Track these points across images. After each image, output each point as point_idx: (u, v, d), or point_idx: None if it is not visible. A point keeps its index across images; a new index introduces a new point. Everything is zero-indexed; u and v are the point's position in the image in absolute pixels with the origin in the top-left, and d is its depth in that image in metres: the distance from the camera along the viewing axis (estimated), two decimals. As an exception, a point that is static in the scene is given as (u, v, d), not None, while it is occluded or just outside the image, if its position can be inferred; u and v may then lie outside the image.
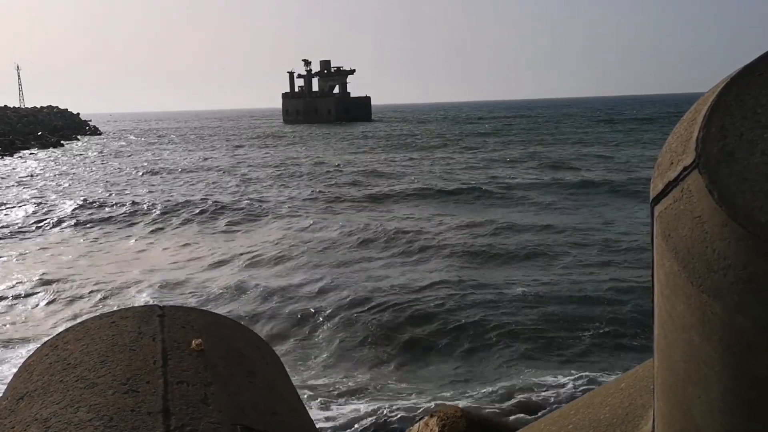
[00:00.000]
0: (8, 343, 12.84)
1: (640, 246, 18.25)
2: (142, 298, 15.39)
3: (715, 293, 1.02)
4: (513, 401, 9.89)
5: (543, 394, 10.07)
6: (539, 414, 9.15)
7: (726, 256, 1.01)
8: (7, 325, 14.00)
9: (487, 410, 9.25)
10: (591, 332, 12.51)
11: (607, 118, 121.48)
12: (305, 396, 9.85)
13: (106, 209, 28.94)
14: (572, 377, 10.59)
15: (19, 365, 1.56)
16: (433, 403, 9.61)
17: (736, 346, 1.02)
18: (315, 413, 9.30)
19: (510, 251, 18.71)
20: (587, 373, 10.71)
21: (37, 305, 15.43)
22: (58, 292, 16.28)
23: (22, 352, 12.01)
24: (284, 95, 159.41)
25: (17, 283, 17.11)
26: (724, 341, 1.03)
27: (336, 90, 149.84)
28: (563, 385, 10.31)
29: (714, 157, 1.05)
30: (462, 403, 9.11)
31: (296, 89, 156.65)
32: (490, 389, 10.38)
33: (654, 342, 1.34)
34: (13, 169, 50.91)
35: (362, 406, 9.85)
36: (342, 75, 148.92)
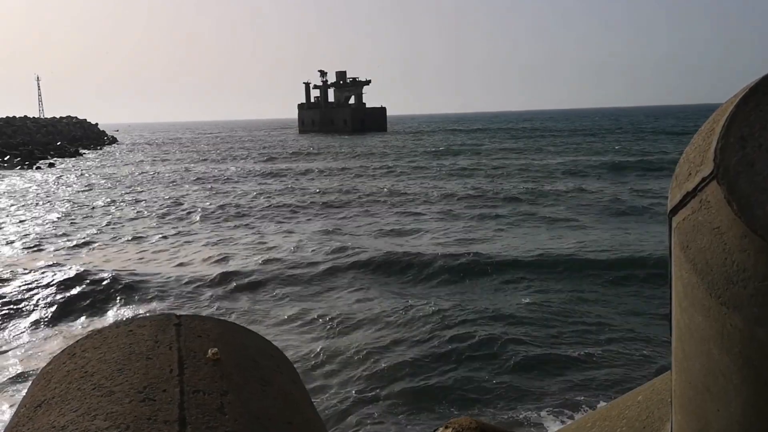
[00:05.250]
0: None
1: None
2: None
3: (735, 305, 1.01)
4: (527, 414, 9.82)
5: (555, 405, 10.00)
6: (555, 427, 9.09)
7: (745, 268, 1.00)
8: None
9: (503, 422, 9.19)
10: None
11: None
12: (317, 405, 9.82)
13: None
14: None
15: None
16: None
17: (756, 359, 1.01)
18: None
19: None
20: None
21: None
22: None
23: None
24: (300, 106, 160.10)
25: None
26: (744, 354, 1.02)
27: (352, 100, 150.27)
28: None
29: (733, 167, 1.04)
30: (476, 415, 9.06)
31: (312, 100, 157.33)
32: (504, 401, 10.31)
33: (672, 354, 1.33)
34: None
35: (376, 416, 9.83)
36: (358, 85, 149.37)
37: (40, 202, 36.45)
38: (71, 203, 35.94)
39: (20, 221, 29.76)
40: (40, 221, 29.59)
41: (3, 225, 28.64)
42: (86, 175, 55.28)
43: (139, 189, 42.86)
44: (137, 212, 31.84)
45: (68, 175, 54.62)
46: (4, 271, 18.62)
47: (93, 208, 34.00)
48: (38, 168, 62.58)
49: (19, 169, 60.72)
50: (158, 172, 56.37)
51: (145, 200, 36.75)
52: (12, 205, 35.56)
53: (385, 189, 38.38)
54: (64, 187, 45.23)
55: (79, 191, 42.28)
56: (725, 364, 1.07)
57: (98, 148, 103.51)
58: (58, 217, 30.68)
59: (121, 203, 35.28)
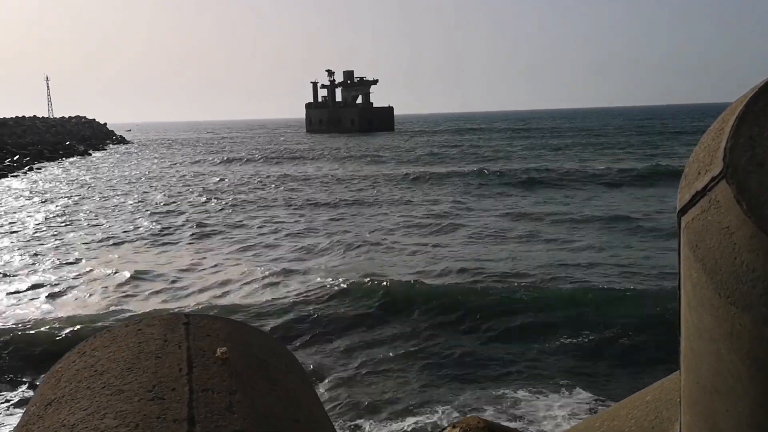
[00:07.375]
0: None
1: None
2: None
3: (744, 305, 1.01)
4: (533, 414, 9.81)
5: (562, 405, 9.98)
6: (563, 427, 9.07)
7: (754, 268, 1.00)
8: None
9: (509, 422, 9.18)
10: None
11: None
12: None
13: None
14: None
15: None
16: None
17: (765, 359, 1.01)
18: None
19: None
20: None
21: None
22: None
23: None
24: (308, 105, 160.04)
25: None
26: (753, 354, 1.02)
27: (359, 100, 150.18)
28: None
29: (742, 167, 1.04)
30: (485, 414, 9.05)
31: (320, 99, 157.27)
32: (508, 400, 10.30)
33: (680, 354, 1.32)
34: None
35: (382, 416, 9.84)
36: (365, 85, 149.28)
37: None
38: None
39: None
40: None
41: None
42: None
43: (173, 190, 43.01)
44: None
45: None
46: None
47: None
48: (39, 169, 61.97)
49: (28, 169, 59.40)
50: (177, 172, 56.74)
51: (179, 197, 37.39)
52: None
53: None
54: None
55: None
56: (734, 364, 1.06)
57: (105, 148, 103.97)
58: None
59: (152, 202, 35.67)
